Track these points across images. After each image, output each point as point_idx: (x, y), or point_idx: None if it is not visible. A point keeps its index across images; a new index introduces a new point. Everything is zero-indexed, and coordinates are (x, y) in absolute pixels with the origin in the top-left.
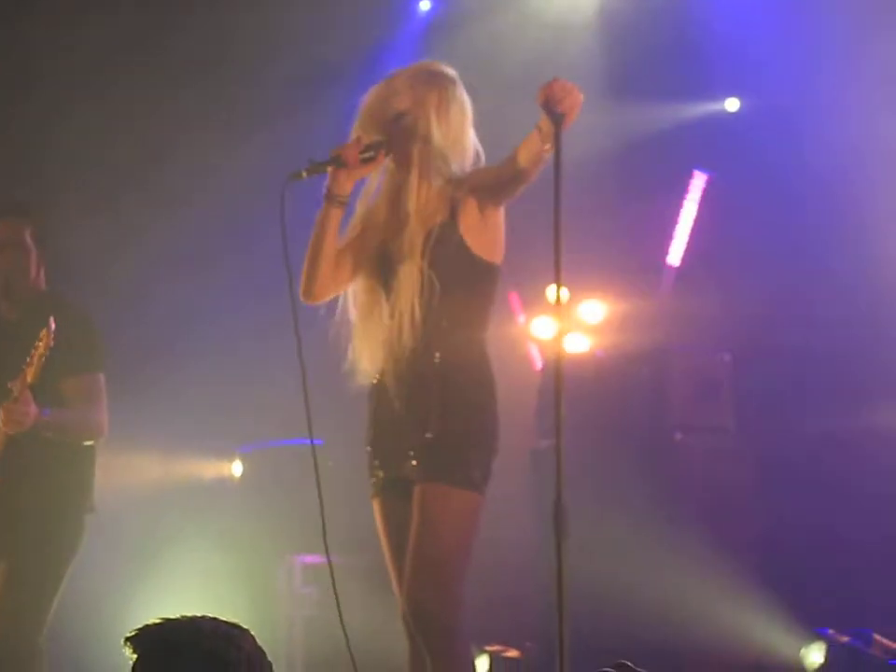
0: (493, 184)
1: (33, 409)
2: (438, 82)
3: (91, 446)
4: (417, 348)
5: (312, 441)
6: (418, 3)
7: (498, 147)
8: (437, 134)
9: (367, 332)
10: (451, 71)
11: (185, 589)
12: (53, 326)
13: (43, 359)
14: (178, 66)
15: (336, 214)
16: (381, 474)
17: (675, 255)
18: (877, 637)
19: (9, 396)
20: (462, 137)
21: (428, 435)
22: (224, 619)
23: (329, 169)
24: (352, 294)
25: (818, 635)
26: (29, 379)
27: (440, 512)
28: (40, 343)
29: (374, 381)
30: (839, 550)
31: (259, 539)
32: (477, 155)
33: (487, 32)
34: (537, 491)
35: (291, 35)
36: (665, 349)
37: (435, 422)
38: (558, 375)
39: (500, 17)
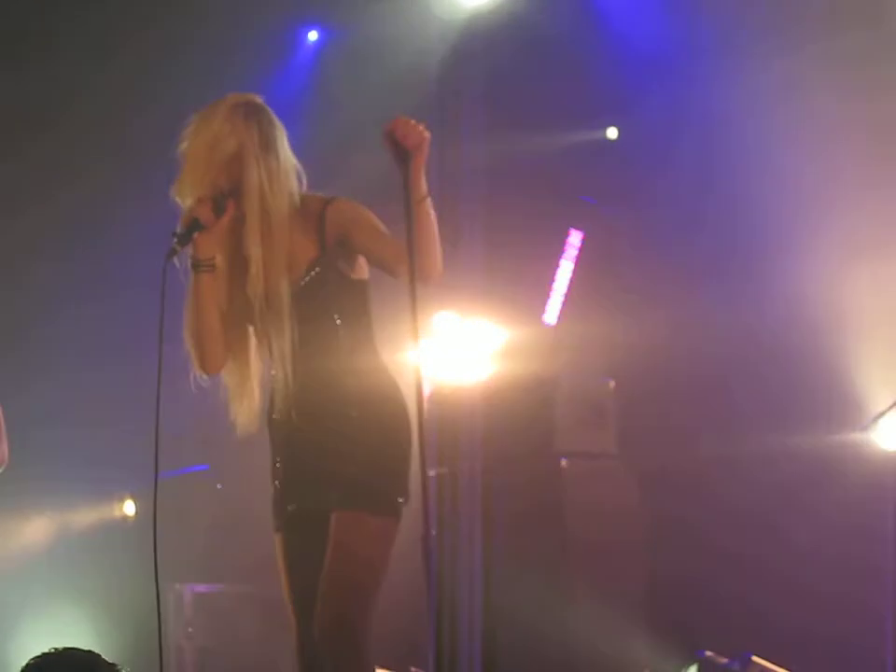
0: (379, 254)
1: None
2: (256, 109)
3: None
4: (312, 384)
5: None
6: (306, 34)
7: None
8: (273, 156)
9: (240, 380)
10: (257, 99)
11: (74, 623)
12: None
13: None
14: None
15: (208, 280)
16: (292, 509)
17: (550, 312)
18: (756, 659)
19: None
20: (287, 157)
21: (348, 466)
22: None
23: (195, 236)
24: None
25: (695, 657)
26: None
27: (358, 538)
28: None
29: (274, 416)
30: (725, 572)
31: (148, 570)
32: (298, 173)
33: (370, 60)
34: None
35: (181, 64)
36: (551, 376)
37: (351, 452)
38: (419, 409)
39: (383, 46)
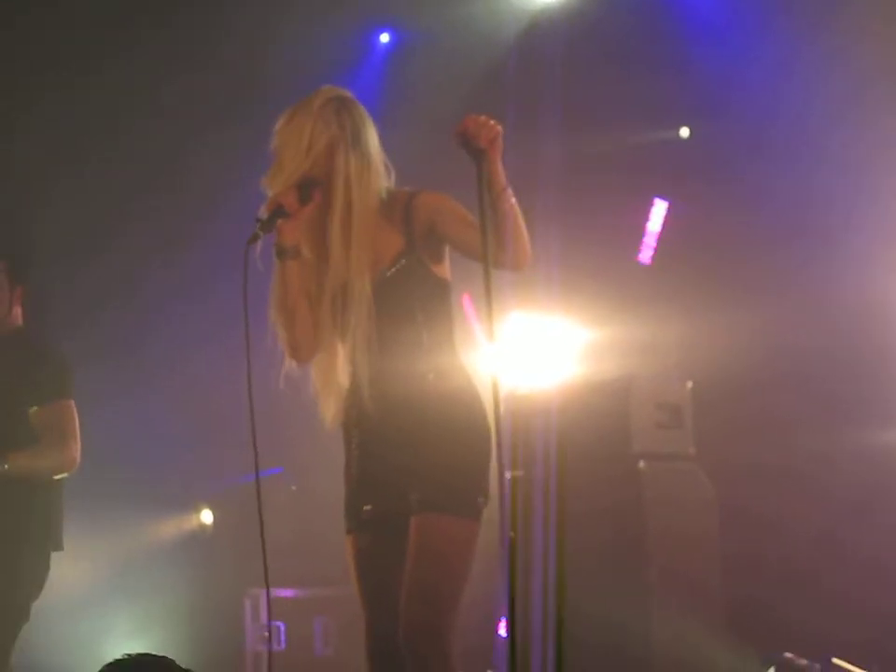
0: (467, 242)
1: None
2: (348, 104)
3: (57, 481)
4: (391, 381)
5: (257, 475)
6: (379, 36)
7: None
8: (363, 151)
9: (325, 373)
10: (349, 94)
11: (154, 629)
12: None
13: None
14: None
15: (293, 266)
16: (368, 509)
17: (645, 254)
18: (837, 661)
19: None
20: (377, 152)
21: (427, 469)
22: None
23: (279, 222)
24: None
25: (774, 658)
26: None
27: (442, 541)
28: None
29: (351, 417)
30: (803, 578)
31: (226, 577)
32: (387, 169)
33: (442, 63)
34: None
35: (253, 72)
36: (627, 377)
37: (432, 452)
38: (496, 412)
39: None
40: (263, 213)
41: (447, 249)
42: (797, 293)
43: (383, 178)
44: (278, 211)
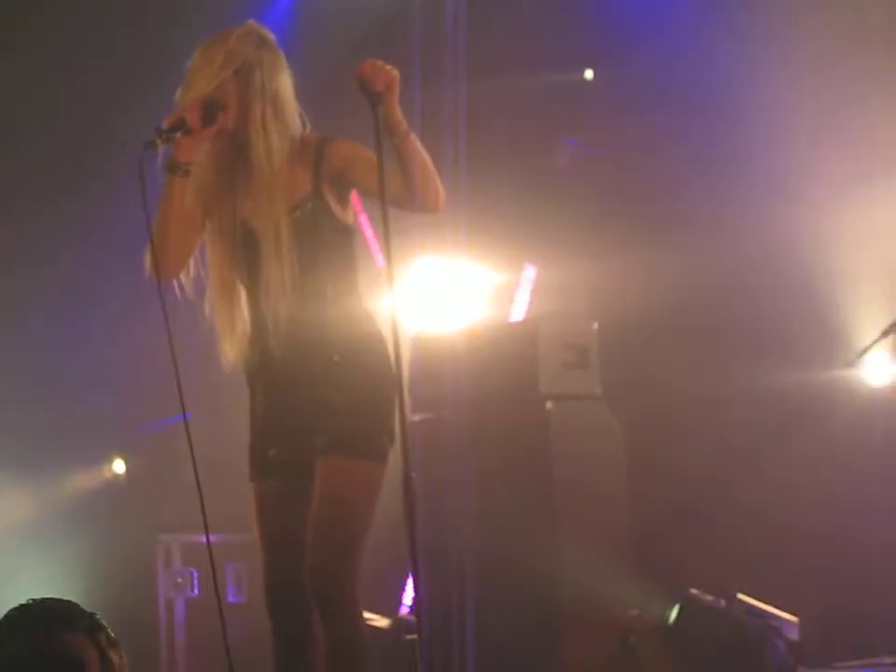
0: (370, 190)
1: None
2: (269, 43)
3: None
4: (296, 327)
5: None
6: None
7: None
8: (279, 91)
9: (228, 313)
10: (272, 35)
11: (67, 577)
12: None
13: None
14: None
15: (182, 184)
16: (273, 453)
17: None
18: (741, 596)
19: None
20: (292, 98)
21: (334, 412)
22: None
23: (177, 136)
24: (210, 271)
25: (680, 593)
26: None
27: (347, 483)
28: None
29: (254, 361)
30: (710, 512)
31: (139, 524)
32: (302, 119)
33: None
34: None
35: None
36: (534, 319)
37: (337, 396)
38: (397, 357)
39: None
40: (164, 125)
41: (351, 195)
42: (704, 233)
43: (296, 125)
44: (179, 124)
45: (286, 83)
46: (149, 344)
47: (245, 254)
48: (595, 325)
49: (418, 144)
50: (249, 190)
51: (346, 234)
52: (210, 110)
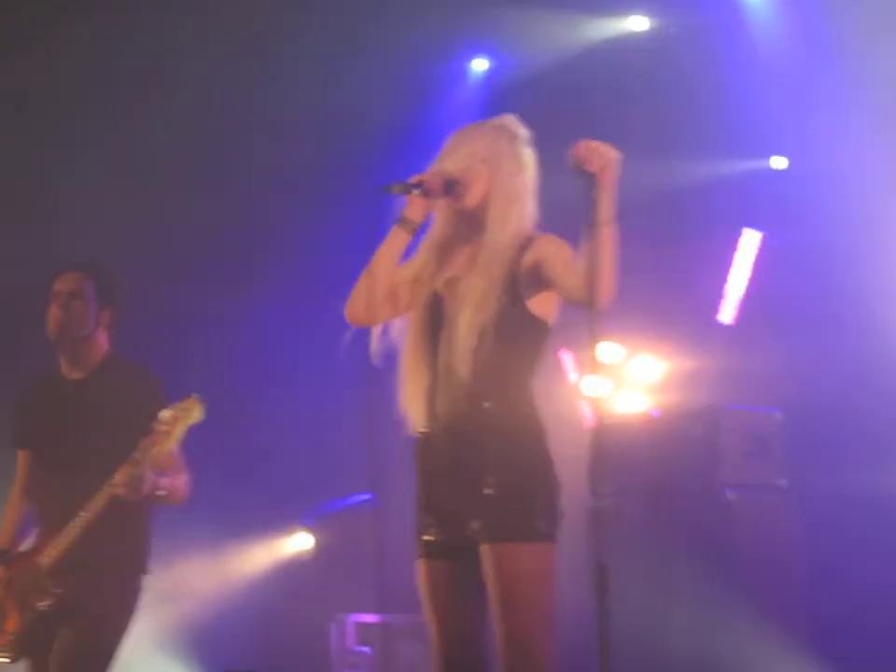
0: (562, 283)
1: (150, 475)
2: (521, 140)
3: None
4: (466, 399)
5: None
6: (469, 64)
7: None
8: (510, 189)
9: (414, 376)
10: (525, 131)
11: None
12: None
13: (184, 431)
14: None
15: (403, 239)
16: (434, 534)
17: (726, 313)
18: None
19: (132, 459)
20: (529, 199)
21: (488, 491)
22: None
23: (413, 193)
24: (404, 338)
25: None
26: (161, 447)
27: (515, 571)
28: (183, 413)
29: (421, 433)
30: (889, 608)
31: (316, 600)
32: (533, 218)
33: (542, 94)
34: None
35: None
36: (716, 407)
37: (492, 476)
38: (598, 439)
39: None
40: (409, 180)
41: (547, 292)
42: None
43: (529, 222)
44: (419, 184)
45: (529, 181)
46: (337, 419)
47: (438, 325)
48: (779, 414)
49: (614, 235)
50: (457, 268)
51: (537, 327)
52: (452, 185)
